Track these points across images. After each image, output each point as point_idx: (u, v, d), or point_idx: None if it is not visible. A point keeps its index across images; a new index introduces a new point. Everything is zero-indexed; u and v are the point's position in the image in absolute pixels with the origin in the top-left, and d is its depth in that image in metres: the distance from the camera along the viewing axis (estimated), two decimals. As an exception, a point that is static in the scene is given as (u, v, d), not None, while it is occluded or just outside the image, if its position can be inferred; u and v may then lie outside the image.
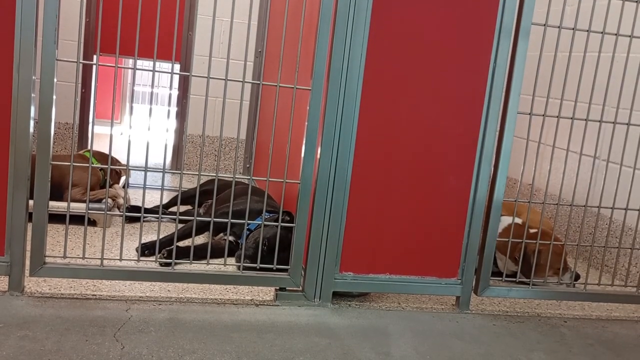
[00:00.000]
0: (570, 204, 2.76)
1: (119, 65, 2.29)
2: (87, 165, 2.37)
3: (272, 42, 4.56)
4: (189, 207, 3.65)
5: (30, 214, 2.29)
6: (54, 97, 2.23)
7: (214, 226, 2.85)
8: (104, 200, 3.27)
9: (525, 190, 4.28)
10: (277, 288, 2.55)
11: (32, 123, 2.24)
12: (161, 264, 2.63)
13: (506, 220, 3.03)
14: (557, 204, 2.77)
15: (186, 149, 5.05)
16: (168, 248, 2.70)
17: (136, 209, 3.45)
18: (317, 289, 2.56)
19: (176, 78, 4.96)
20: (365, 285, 2.62)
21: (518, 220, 3.03)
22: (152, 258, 2.71)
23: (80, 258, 2.42)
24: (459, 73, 2.52)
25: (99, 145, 5.21)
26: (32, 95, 2.22)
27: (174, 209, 3.59)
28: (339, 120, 2.46)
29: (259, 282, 2.53)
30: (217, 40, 4.75)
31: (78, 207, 3.10)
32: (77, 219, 3.02)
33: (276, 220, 2.60)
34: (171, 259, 2.51)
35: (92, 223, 3.26)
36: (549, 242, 2.83)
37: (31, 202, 2.28)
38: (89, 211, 2.49)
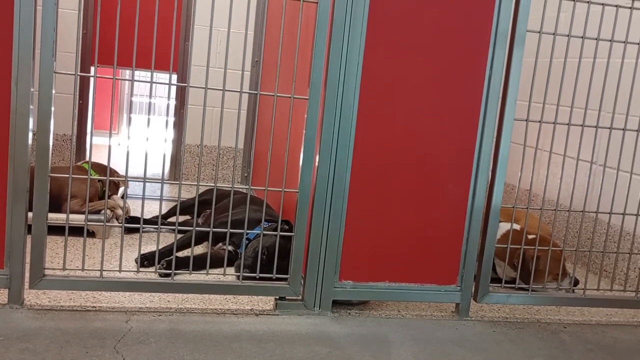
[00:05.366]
0: (568, 209, 2.77)
1: (116, 77, 2.29)
2: (86, 176, 2.37)
3: (268, 51, 4.57)
4: (188, 217, 3.66)
5: (30, 226, 2.29)
6: (52, 109, 2.23)
7: (213, 236, 2.85)
8: (102, 212, 3.27)
9: (523, 196, 4.29)
10: (277, 297, 2.55)
11: (30, 135, 2.25)
12: (160, 275, 2.62)
13: (504, 227, 3.04)
14: (555, 209, 2.78)
15: (184, 159, 5.05)
16: (167, 258, 2.70)
17: (135, 219, 3.45)
18: (316, 297, 2.56)
19: (174, 88, 4.97)
20: (364, 293, 2.62)
21: (516, 226, 3.03)
22: (152, 269, 2.71)
23: (79, 270, 2.42)
24: (456, 80, 2.53)
25: (97, 156, 5.21)
26: (31, 107, 2.23)
27: (172, 219, 3.59)
28: (337, 129, 2.46)
29: (259, 292, 2.53)
30: (214, 50, 4.76)
31: (77, 219, 3.10)
32: (76, 231, 3.01)
33: (275, 229, 2.60)
34: (170, 269, 2.51)
35: (91, 234, 3.26)
36: (547, 248, 2.84)
37: (30, 214, 2.28)
38: (88, 222, 2.49)
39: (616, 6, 2.62)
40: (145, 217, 3.53)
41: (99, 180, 3.53)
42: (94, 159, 3.68)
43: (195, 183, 2.51)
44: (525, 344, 2.51)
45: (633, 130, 2.82)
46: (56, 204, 3.15)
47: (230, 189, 3.09)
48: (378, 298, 2.68)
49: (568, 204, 3.69)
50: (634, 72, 2.71)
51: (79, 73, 2.28)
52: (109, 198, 3.51)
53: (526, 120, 2.65)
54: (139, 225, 2.46)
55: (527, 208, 2.76)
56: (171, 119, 5.02)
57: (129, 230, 3.35)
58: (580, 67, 2.67)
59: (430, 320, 2.66)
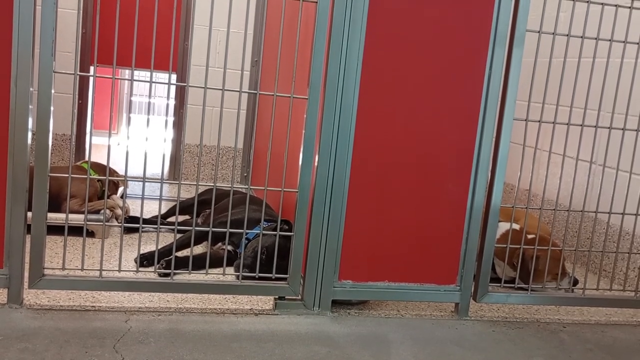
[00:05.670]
0: (568, 209, 2.77)
1: (116, 77, 2.29)
2: (85, 176, 2.37)
3: (268, 51, 4.57)
4: (187, 216, 3.66)
5: (29, 226, 2.29)
6: (52, 108, 2.23)
7: (213, 236, 2.85)
8: (102, 211, 3.27)
9: (523, 196, 4.29)
10: (276, 297, 2.55)
11: (29, 135, 2.25)
12: (160, 275, 2.62)
13: (504, 226, 3.04)
14: (554, 209, 2.78)
15: (184, 159, 5.05)
16: (167, 258, 2.70)
17: (134, 219, 3.45)
18: (316, 297, 2.56)
19: (173, 88, 4.97)
20: (364, 293, 2.62)
21: (516, 226, 3.04)
22: (151, 268, 2.71)
23: (79, 269, 2.41)
24: (455, 80, 2.53)
25: (97, 156, 5.21)
26: (30, 107, 2.23)
27: (172, 219, 3.59)
28: (336, 129, 2.46)
29: (258, 292, 2.53)
30: (214, 50, 4.76)
31: (76, 219, 3.10)
32: (75, 230, 3.01)
33: (274, 229, 2.60)
34: (170, 269, 2.51)
35: (91, 234, 3.26)
36: (546, 248, 2.84)
37: (29, 213, 2.28)
38: (88, 222, 2.49)
39: (616, 6, 2.63)
40: (144, 216, 3.53)
41: (99, 180, 3.53)
42: (94, 159, 3.68)
43: (195, 183, 2.51)
44: (524, 343, 2.51)
45: (632, 130, 2.82)
46: (55, 204, 3.15)
47: (229, 188, 3.09)
48: (377, 298, 2.68)
49: (567, 203, 3.69)
50: (633, 72, 2.70)
51: (78, 72, 2.28)
52: (108, 198, 3.51)
53: (526, 120, 2.65)
54: (138, 225, 2.46)
55: (526, 208, 2.76)
56: (171, 119, 5.02)
57: (128, 230, 3.35)
58: (579, 66, 2.67)
59: (429, 320, 2.66)
